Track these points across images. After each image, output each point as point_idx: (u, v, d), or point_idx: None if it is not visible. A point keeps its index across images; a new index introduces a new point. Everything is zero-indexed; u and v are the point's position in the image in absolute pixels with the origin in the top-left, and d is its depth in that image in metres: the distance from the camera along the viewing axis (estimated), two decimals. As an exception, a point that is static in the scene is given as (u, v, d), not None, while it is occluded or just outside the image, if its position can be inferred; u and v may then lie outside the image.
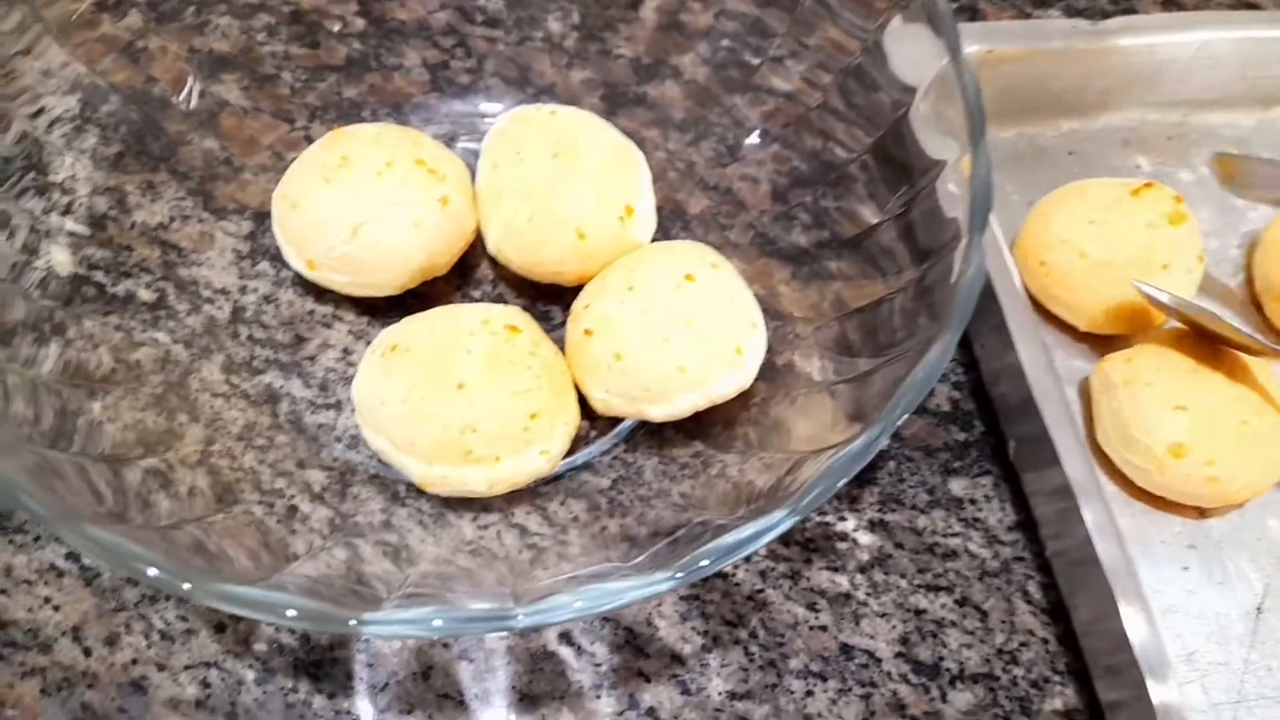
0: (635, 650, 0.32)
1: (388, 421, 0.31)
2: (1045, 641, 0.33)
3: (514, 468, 0.31)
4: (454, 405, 0.30)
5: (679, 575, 0.22)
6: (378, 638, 0.22)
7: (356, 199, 0.33)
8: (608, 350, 0.32)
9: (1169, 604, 0.33)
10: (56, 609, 0.31)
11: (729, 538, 0.23)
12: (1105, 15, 0.45)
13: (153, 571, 0.21)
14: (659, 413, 0.32)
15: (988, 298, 0.36)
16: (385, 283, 0.34)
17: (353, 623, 0.21)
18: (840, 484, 0.24)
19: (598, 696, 0.31)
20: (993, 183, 0.28)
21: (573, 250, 0.33)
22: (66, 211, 0.35)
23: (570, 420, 0.32)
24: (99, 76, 0.35)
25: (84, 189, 0.35)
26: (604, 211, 0.34)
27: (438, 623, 0.21)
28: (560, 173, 0.34)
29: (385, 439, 0.31)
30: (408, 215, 0.33)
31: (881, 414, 0.25)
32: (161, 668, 0.30)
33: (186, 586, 0.21)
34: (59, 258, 0.34)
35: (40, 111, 0.34)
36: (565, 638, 0.32)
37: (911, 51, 0.33)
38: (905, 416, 0.25)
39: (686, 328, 0.31)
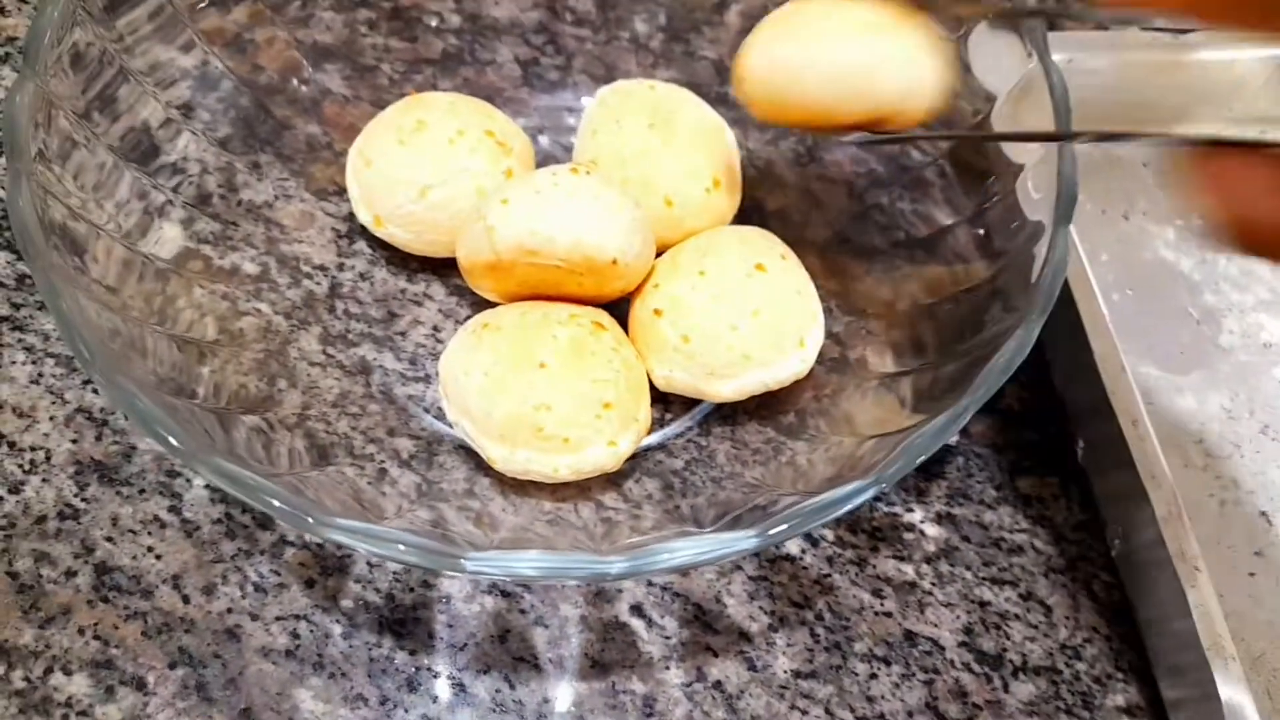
0: (704, 625, 0.33)
1: (469, 393, 0.32)
2: (1108, 639, 0.33)
3: (580, 456, 0.32)
4: (532, 382, 0.31)
5: (768, 534, 0.23)
6: (480, 574, 0.23)
7: (427, 162, 0.35)
8: (676, 332, 0.33)
9: (1234, 608, 0.33)
10: (159, 558, 0.33)
11: (812, 501, 0.24)
12: (1182, 31, 0.45)
13: (279, 504, 0.23)
14: (716, 393, 0.33)
15: (1063, 301, 0.36)
16: (446, 244, 0.36)
17: (461, 560, 0.23)
18: (920, 459, 0.25)
19: (667, 668, 0.32)
20: (1078, 178, 0.28)
21: (660, 217, 0.35)
22: (178, 189, 0.37)
23: (642, 420, 0.33)
24: (217, 59, 0.37)
25: (195, 168, 0.37)
26: (692, 181, 0.35)
27: (539, 564, 0.23)
28: (654, 141, 0.35)
29: (464, 412, 0.32)
30: (473, 182, 0.35)
31: (963, 396, 0.26)
32: (255, 618, 0.32)
33: (311, 520, 0.23)
34: (170, 232, 0.36)
35: (158, 96, 0.37)
36: (637, 610, 0.33)
37: (994, 59, 0.34)
38: (985, 400, 0.26)
39: (754, 317, 0.32)
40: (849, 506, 0.24)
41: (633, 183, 0.35)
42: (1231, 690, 0.29)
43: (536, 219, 0.31)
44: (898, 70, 0.29)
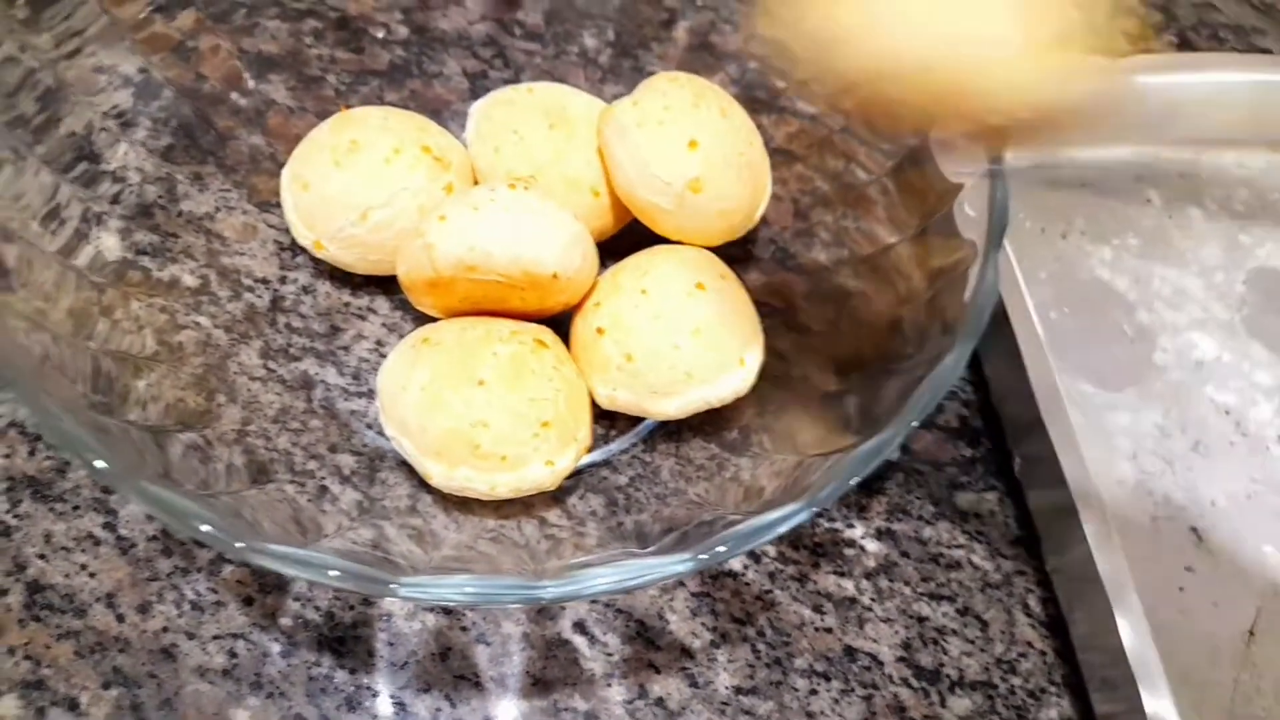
0: (646, 642, 0.33)
1: (406, 408, 0.32)
2: (1043, 654, 0.34)
3: (518, 475, 0.32)
4: (470, 399, 0.31)
5: (699, 558, 0.24)
6: (412, 600, 0.23)
7: (366, 184, 0.34)
8: (618, 350, 0.33)
9: (1164, 622, 0.34)
10: (92, 575, 0.32)
11: (747, 524, 0.24)
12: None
13: (206, 528, 0.22)
14: (659, 411, 0.33)
15: (999, 319, 0.37)
16: (390, 263, 0.35)
17: (392, 585, 0.22)
18: (853, 481, 0.25)
19: (609, 685, 0.32)
20: (1009, 204, 0.29)
21: (592, 209, 0.36)
22: (116, 199, 0.36)
23: (582, 439, 0.33)
24: (156, 69, 0.37)
25: (135, 178, 0.37)
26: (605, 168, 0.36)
27: (471, 589, 0.23)
28: (559, 140, 0.36)
29: (401, 428, 0.32)
30: (414, 200, 0.34)
31: (896, 417, 0.26)
32: (191, 636, 0.32)
33: (239, 545, 0.22)
34: (108, 242, 0.35)
35: (96, 104, 0.36)
36: (579, 627, 0.33)
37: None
38: (917, 422, 0.26)
39: (695, 336, 0.33)
40: (782, 528, 0.25)
41: (555, 185, 0.35)
42: (1157, 705, 0.29)
43: (475, 235, 0.31)
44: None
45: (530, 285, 0.32)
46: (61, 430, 0.23)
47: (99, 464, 0.23)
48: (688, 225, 0.35)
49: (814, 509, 0.25)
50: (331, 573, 0.23)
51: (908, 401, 0.28)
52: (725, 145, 0.34)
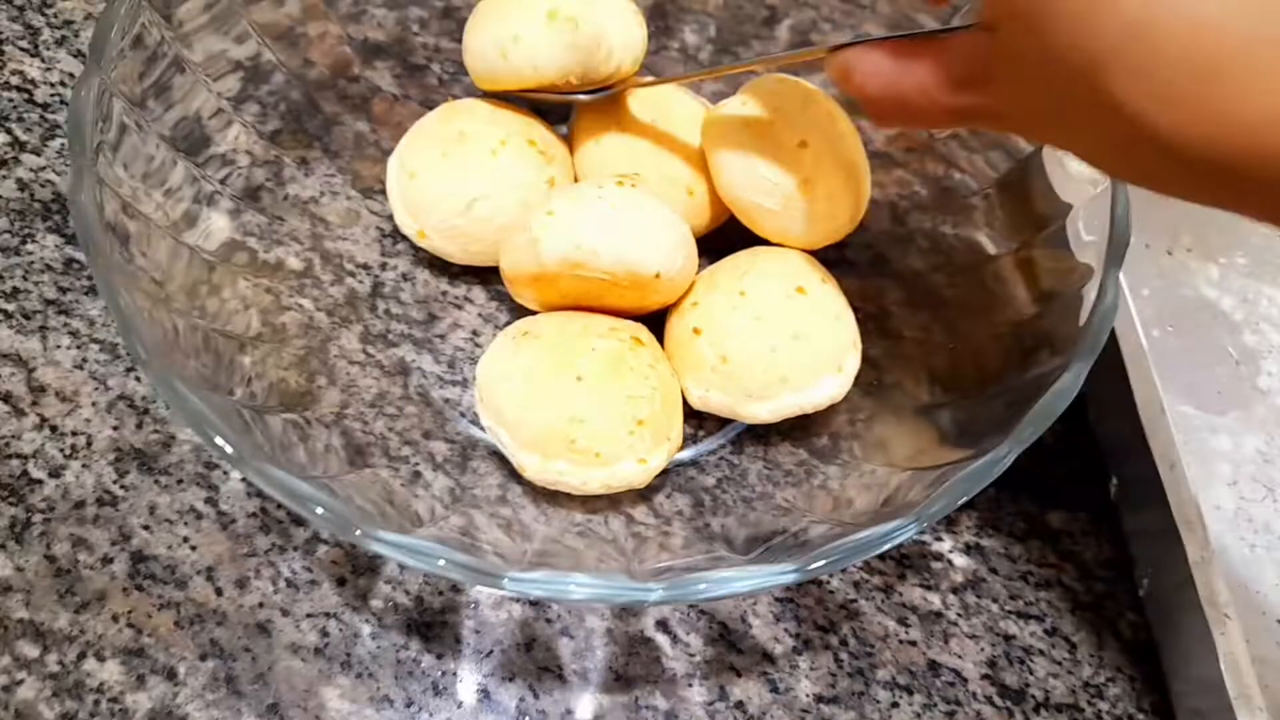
0: (728, 645, 0.33)
1: (504, 400, 0.32)
2: (1132, 679, 0.33)
3: (611, 471, 0.32)
4: (568, 394, 0.31)
5: (807, 569, 0.23)
6: (518, 593, 0.23)
7: (471, 175, 0.35)
8: (714, 352, 0.33)
9: (1262, 654, 0.33)
10: (194, 549, 0.33)
11: (856, 537, 0.24)
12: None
13: (322, 511, 0.23)
14: (751, 414, 0.33)
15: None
16: (490, 254, 0.36)
17: (502, 579, 0.23)
18: (963, 499, 0.25)
19: (690, 685, 0.32)
20: (1130, 221, 0.28)
21: (685, 206, 0.36)
22: (225, 181, 0.37)
23: (674, 438, 0.33)
24: (269, 52, 0.38)
25: (244, 160, 0.38)
26: (704, 167, 0.36)
27: (579, 588, 0.23)
28: (660, 138, 0.36)
29: (498, 419, 0.33)
30: (518, 194, 0.35)
31: (1008, 434, 0.26)
32: (285, 613, 0.32)
33: (357, 531, 0.23)
34: (218, 223, 0.36)
35: (210, 88, 0.37)
36: (662, 626, 0.33)
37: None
38: (1029, 443, 0.26)
39: (794, 340, 0.32)
40: (889, 544, 0.24)
41: (652, 181, 0.35)
42: (1257, 741, 0.29)
43: (582, 232, 0.31)
44: None
45: (632, 284, 0.32)
46: (193, 410, 0.24)
47: (225, 445, 0.23)
48: (791, 227, 0.34)
49: (924, 524, 0.24)
50: (440, 562, 0.23)
51: (1020, 419, 0.27)
52: (833, 147, 0.34)
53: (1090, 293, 0.29)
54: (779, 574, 0.24)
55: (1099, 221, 0.30)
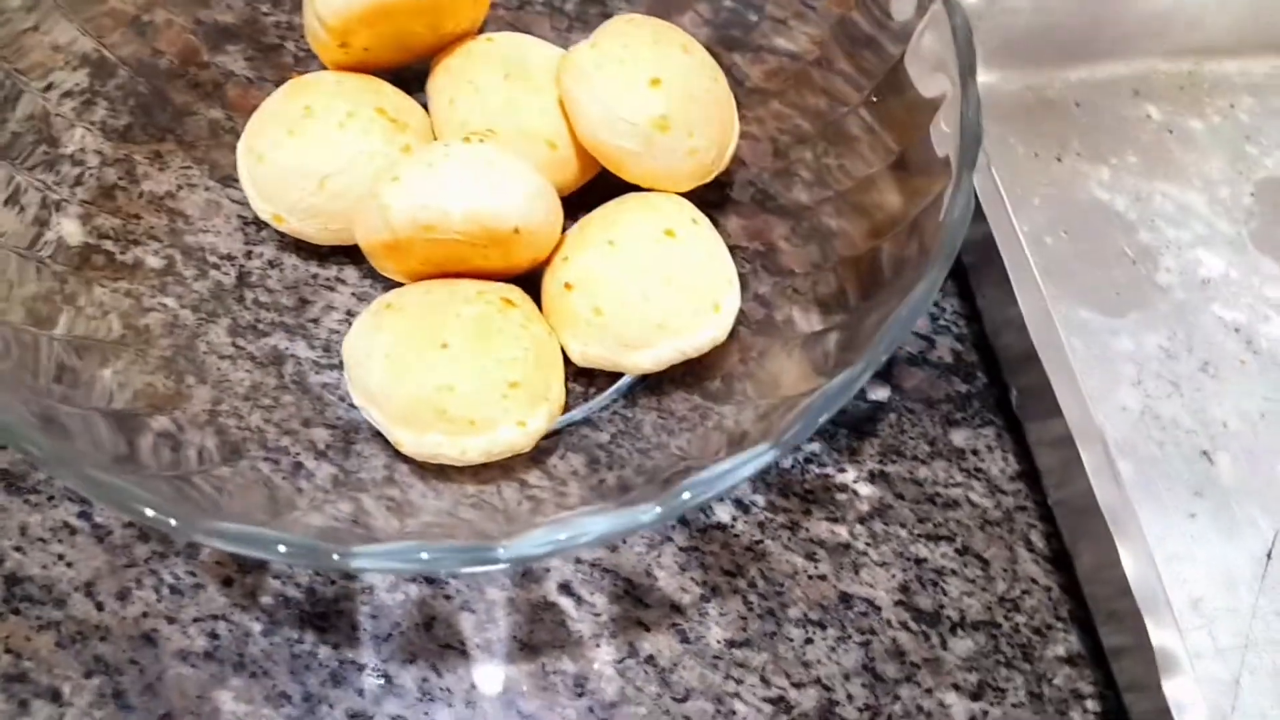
0: (634, 600, 0.32)
1: (372, 377, 0.31)
2: (1048, 589, 0.33)
3: (489, 438, 0.31)
4: (434, 363, 0.30)
5: (660, 508, 0.23)
6: (364, 571, 0.22)
7: (321, 151, 0.33)
8: (588, 305, 0.32)
9: (1175, 552, 0.33)
10: (70, 565, 0.32)
11: (710, 470, 0.23)
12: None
13: (150, 512, 0.22)
14: (633, 364, 0.32)
15: (989, 249, 0.35)
16: (352, 232, 0.34)
17: (337, 556, 0.22)
18: (821, 419, 0.24)
19: (598, 645, 0.32)
20: (981, 119, 0.27)
21: (546, 163, 0.34)
22: (76, 183, 0.35)
23: (554, 398, 0.32)
24: (108, 50, 0.36)
25: (93, 160, 0.36)
26: (565, 118, 0.34)
27: (424, 555, 0.22)
28: (516, 91, 0.34)
29: (368, 398, 0.31)
30: (371, 164, 0.33)
31: (864, 352, 0.25)
32: (171, 620, 0.31)
33: (174, 523, 0.22)
34: (69, 228, 0.34)
35: (50, 86, 0.35)
36: (565, 589, 0.32)
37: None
38: (886, 355, 0.25)
39: (666, 285, 0.32)
40: (747, 470, 0.24)
41: (510, 137, 0.34)
42: (1163, 636, 0.28)
43: (429, 193, 0.30)
44: None
45: (491, 242, 0.31)
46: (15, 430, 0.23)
47: (33, 449, 0.22)
48: (656, 168, 0.33)
49: (779, 450, 0.24)
50: (280, 548, 0.22)
51: (883, 332, 0.26)
52: (689, 82, 0.33)
53: (946, 196, 0.28)
54: (641, 514, 0.23)
55: (955, 121, 0.29)
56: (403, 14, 0.33)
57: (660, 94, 0.32)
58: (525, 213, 0.31)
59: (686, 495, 0.23)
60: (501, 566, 0.25)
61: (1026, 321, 0.33)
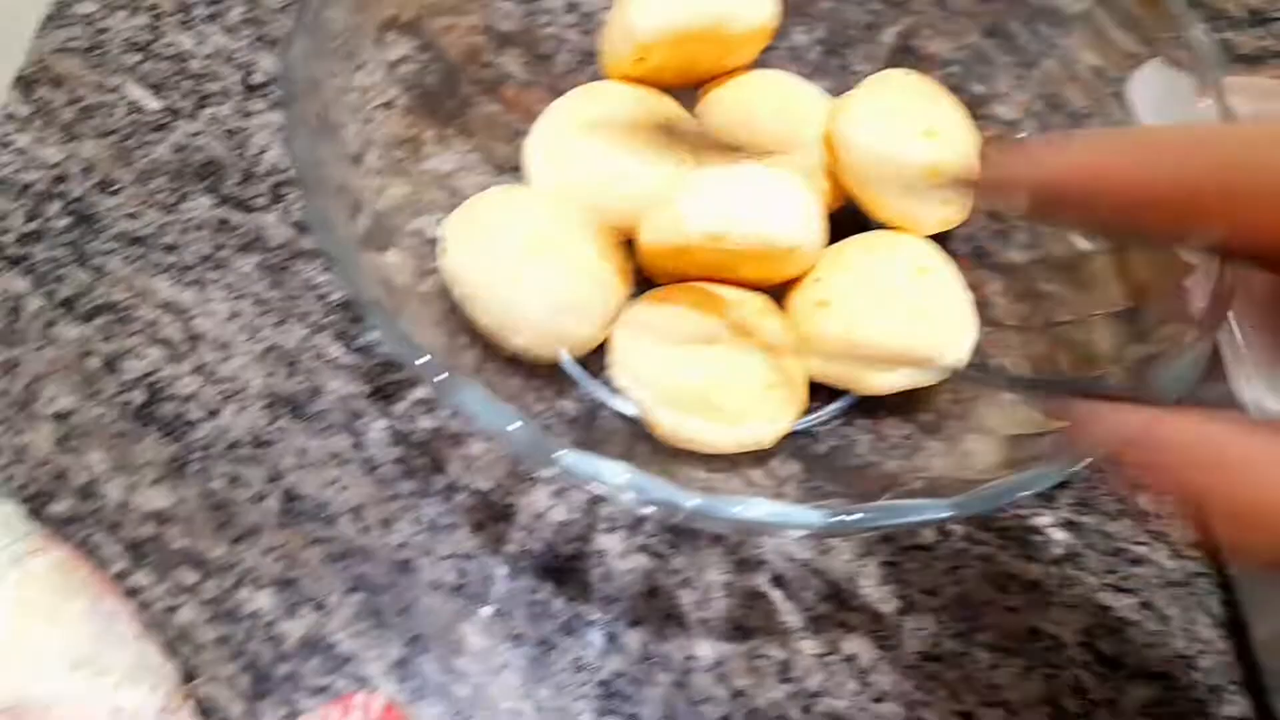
0: (839, 603, 0.35)
1: (642, 360, 0.34)
2: (1222, 653, 0.35)
3: (743, 429, 0.34)
4: (706, 355, 0.34)
5: (960, 507, 0.26)
6: (571, 473, 0.26)
7: (613, 154, 0.37)
8: (839, 324, 0.35)
9: (1348, 635, 0.35)
10: (343, 489, 0.35)
11: (999, 482, 0.26)
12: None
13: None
14: (868, 385, 0.36)
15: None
16: (626, 230, 0.37)
17: (557, 455, 0.26)
18: (1053, 482, 0.27)
19: (803, 638, 0.34)
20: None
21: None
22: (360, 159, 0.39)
23: (799, 403, 0.35)
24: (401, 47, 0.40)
25: (382, 136, 0.40)
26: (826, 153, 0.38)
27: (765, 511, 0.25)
28: (783, 123, 0.39)
29: (635, 379, 0.35)
30: (654, 171, 0.37)
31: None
32: (427, 553, 0.35)
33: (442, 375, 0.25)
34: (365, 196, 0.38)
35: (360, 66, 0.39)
36: (777, 581, 0.35)
37: (1162, 97, 0.36)
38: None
39: (916, 316, 0.35)
40: (1037, 486, 0.26)
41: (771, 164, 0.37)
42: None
43: (724, 206, 0.33)
44: None
45: (766, 257, 0.34)
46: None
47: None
48: (910, 211, 0.37)
49: (1061, 473, 0.26)
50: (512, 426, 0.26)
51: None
52: (956, 137, 0.36)
53: (1195, 284, 0.30)
54: (937, 509, 0.26)
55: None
56: (702, 41, 0.37)
57: (934, 144, 0.35)
58: (805, 234, 0.34)
59: (983, 497, 0.26)
60: (808, 532, 0.28)
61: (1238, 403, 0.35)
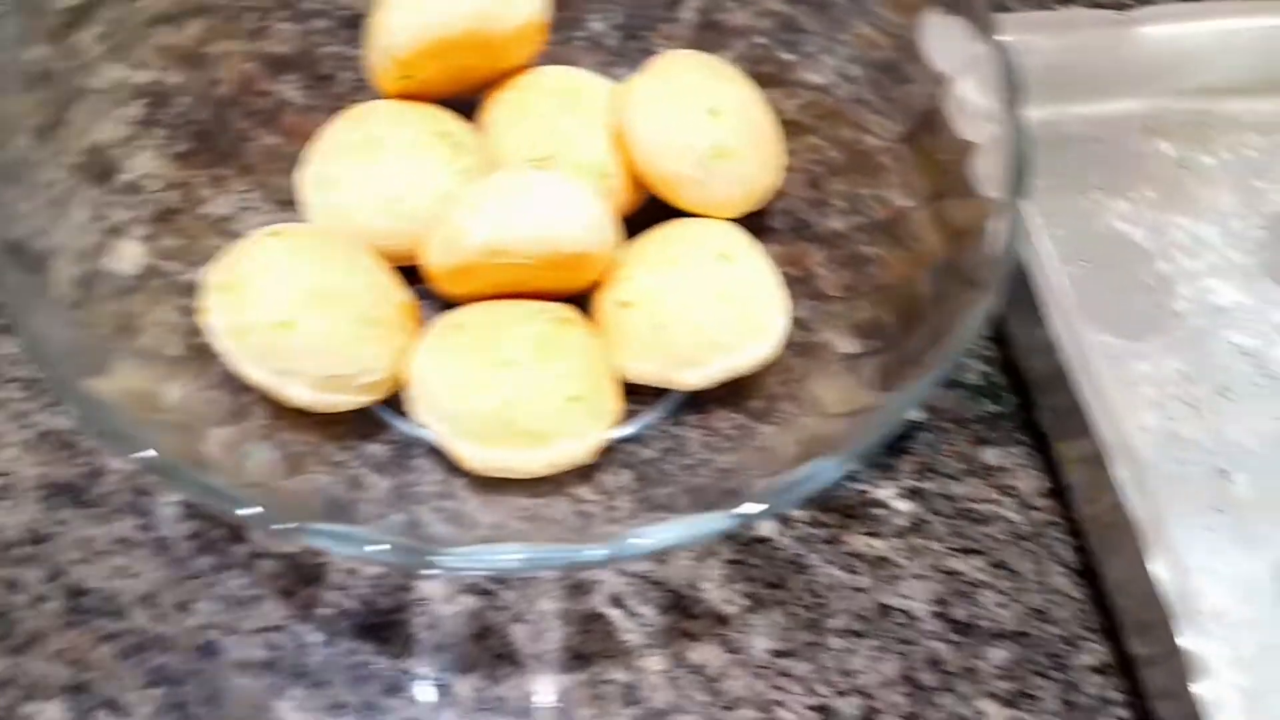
0: (682, 612, 0.33)
1: (439, 393, 0.32)
2: (1077, 601, 0.34)
3: (553, 450, 0.32)
4: (501, 379, 0.31)
5: (734, 516, 0.24)
6: (457, 570, 0.23)
7: (389, 176, 0.35)
8: (645, 322, 0.33)
9: (1196, 565, 0.34)
10: (132, 577, 0.33)
11: (780, 479, 0.25)
12: (1124, 7, 0.46)
13: (247, 511, 0.23)
14: (685, 381, 0.34)
15: (1019, 276, 0.37)
16: (414, 253, 0.35)
17: (437, 557, 0.23)
18: (882, 437, 0.25)
19: (646, 655, 0.33)
20: (1032, 153, 0.29)
21: (600, 191, 0.35)
22: (138, 208, 0.36)
23: (612, 412, 0.34)
24: (170, 77, 0.37)
25: (155, 184, 0.37)
26: (616, 149, 0.36)
27: (519, 556, 0.23)
28: (569, 122, 0.36)
29: (434, 413, 0.33)
30: (436, 187, 0.35)
31: (921, 373, 0.26)
32: (231, 631, 0.32)
33: (286, 526, 0.23)
34: (132, 251, 0.36)
35: (111, 115, 0.37)
36: (614, 600, 0.33)
37: (945, 43, 0.35)
38: (942, 377, 0.26)
39: (723, 304, 0.33)
40: (814, 485, 0.25)
41: (561, 167, 0.35)
42: (1194, 643, 0.30)
43: (502, 218, 0.31)
44: None
45: (556, 266, 0.32)
46: (110, 423, 0.24)
47: (146, 454, 0.23)
48: (710, 195, 0.35)
49: (845, 465, 0.25)
50: (369, 548, 0.23)
51: (930, 358, 0.28)
52: (744, 113, 0.35)
53: (994, 226, 0.29)
54: (714, 522, 0.24)
55: (1001, 157, 0.31)
56: (465, 48, 0.35)
57: (719, 123, 0.34)
58: (591, 238, 0.32)
59: (757, 506, 0.24)
60: (591, 566, 0.26)
61: (1058, 345, 0.35)
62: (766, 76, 0.42)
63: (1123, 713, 0.32)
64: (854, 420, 0.30)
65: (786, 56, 0.42)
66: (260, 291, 0.31)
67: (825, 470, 0.25)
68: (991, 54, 0.32)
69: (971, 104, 0.34)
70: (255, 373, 0.31)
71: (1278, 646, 0.33)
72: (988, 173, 0.32)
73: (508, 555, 0.23)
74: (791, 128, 0.41)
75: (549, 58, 0.43)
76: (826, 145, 0.41)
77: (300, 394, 0.31)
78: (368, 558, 0.24)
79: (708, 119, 0.34)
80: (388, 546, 0.23)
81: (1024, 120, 0.30)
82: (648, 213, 0.37)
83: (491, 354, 0.31)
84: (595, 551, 0.23)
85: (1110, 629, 0.33)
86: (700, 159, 0.34)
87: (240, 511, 0.23)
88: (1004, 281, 0.27)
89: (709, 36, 0.43)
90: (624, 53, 0.44)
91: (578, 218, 0.32)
